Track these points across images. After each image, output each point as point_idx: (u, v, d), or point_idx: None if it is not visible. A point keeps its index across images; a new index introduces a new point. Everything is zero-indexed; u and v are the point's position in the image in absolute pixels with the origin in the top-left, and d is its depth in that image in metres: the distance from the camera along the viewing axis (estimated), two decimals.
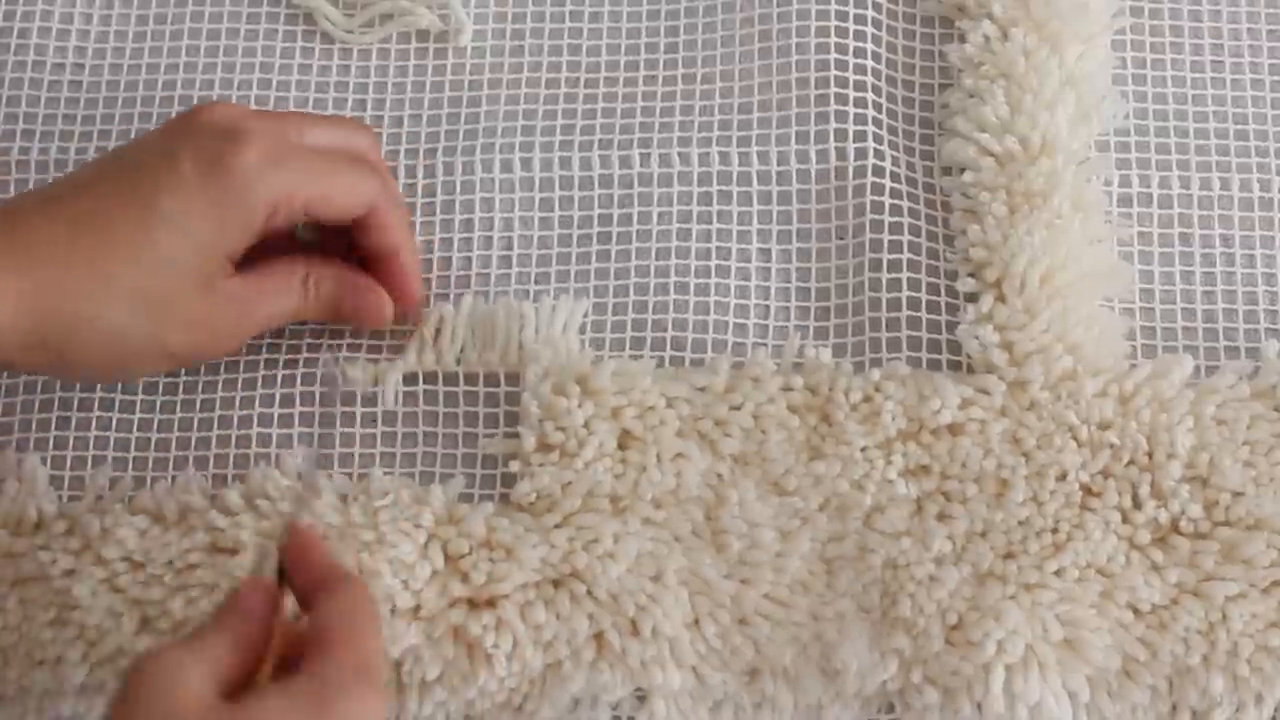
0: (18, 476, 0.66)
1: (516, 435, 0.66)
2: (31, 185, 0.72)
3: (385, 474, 0.67)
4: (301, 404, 0.68)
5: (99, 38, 0.75)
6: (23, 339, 0.60)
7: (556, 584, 0.63)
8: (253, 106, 0.73)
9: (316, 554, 0.60)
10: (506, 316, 0.68)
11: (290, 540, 0.60)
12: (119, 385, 0.68)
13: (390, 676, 0.63)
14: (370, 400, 0.68)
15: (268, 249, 0.65)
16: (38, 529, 0.66)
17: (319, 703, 0.53)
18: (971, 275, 0.68)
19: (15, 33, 0.75)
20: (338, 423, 0.68)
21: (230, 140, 0.62)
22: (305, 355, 0.69)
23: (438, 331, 0.68)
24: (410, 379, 0.68)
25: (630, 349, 0.69)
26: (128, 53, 0.75)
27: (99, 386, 0.68)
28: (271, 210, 0.63)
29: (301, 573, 0.58)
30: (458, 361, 0.68)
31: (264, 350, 0.69)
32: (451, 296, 0.69)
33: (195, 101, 0.73)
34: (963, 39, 0.72)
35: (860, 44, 0.72)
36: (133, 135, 0.73)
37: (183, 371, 0.69)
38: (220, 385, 0.68)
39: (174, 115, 0.66)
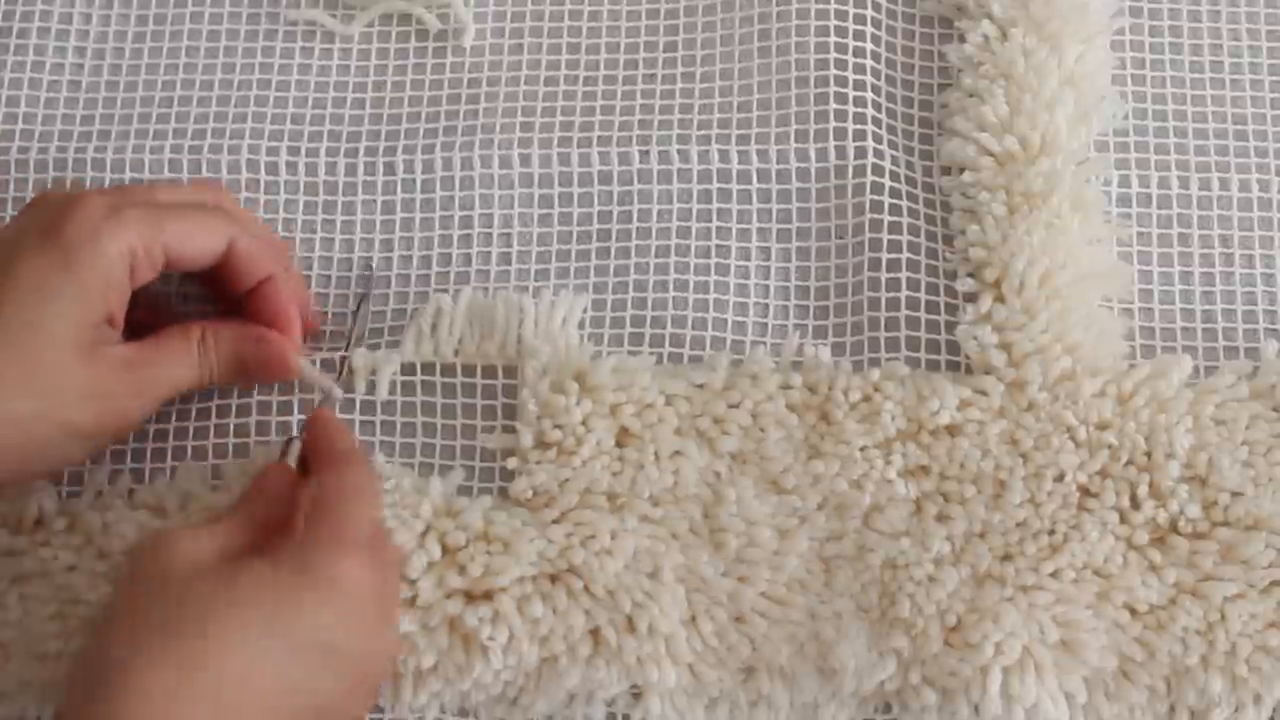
0: None
1: (514, 430, 0.66)
2: (31, 185, 0.72)
3: (386, 462, 0.66)
4: (301, 393, 0.68)
5: (99, 38, 0.75)
6: None
7: (553, 579, 0.63)
8: (252, 107, 0.73)
9: (333, 439, 0.63)
10: (505, 309, 0.68)
11: (310, 428, 0.64)
12: None
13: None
14: (369, 388, 0.68)
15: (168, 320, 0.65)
16: (38, 526, 0.66)
17: (299, 566, 0.57)
18: (971, 275, 0.68)
19: (15, 33, 0.75)
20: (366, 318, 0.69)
21: (68, 205, 0.62)
22: (305, 349, 0.68)
23: (434, 323, 0.68)
24: (408, 369, 0.68)
25: (629, 346, 0.68)
26: (127, 53, 0.75)
27: None
28: (126, 263, 0.61)
29: (316, 457, 0.62)
30: (455, 353, 0.68)
31: None
32: (451, 291, 0.69)
33: (195, 102, 0.73)
34: (962, 39, 0.72)
35: (860, 44, 0.72)
36: (132, 135, 0.73)
37: None
38: None
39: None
